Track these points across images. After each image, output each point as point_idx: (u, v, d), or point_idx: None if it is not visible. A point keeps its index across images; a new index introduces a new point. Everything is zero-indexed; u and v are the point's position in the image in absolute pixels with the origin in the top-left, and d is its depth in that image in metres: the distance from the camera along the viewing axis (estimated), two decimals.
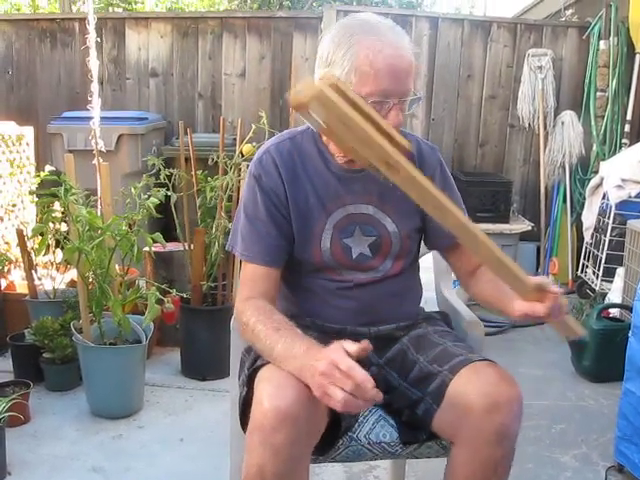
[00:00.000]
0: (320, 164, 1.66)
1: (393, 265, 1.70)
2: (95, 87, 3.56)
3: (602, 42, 4.81)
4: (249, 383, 1.51)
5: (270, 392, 1.35)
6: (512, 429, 1.43)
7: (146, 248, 2.87)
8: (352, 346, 1.29)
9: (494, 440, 1.42)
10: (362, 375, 1.24)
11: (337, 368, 1.26)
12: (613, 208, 4.00)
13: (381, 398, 1.26)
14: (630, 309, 3.37)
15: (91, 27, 3.50)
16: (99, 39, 3.61)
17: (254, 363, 1.54)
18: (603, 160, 4.60)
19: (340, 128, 1.25)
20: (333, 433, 1.51)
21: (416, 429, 1.59)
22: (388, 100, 1.48)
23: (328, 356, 1.28)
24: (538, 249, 5.08)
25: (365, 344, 1.29)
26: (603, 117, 4.84)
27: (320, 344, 1.37)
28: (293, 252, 1.66)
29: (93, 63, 3.53)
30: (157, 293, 2.69)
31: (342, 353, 1.27)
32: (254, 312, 1.53)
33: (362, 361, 1.49)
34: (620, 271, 3.69)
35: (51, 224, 3.02)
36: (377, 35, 1.47)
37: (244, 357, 1.69)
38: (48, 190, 2.83)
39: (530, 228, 4.71)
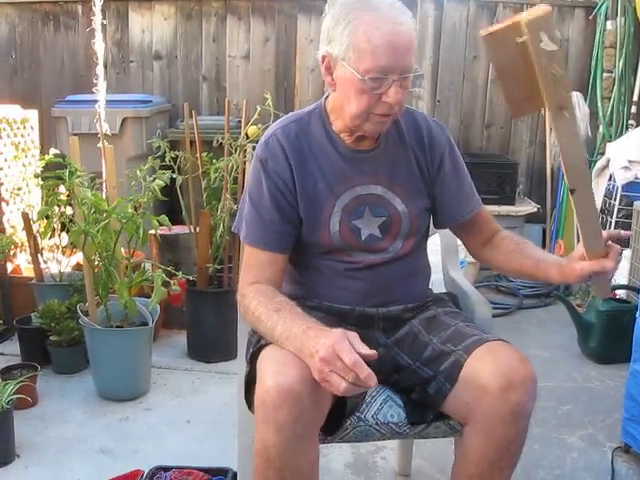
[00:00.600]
0: (327, 145, 1.64)
1: (403, 245, 1.70)
2: (100, 70, 3.54)
3: (609, 22, 4.76)
4: (252, 362, 1.53)
5: (273, 370, 1.36)
6: (527, 408, 1.44)
7: (152, 231, 2.86)
8: (358, 342, 1.29)
9: (509, 420, 1.43)
10: (367, 372, 1.24)
11: (339, 358, 1.25)
12: (619, 189, 3.98)
13: (376, 383, 1.26)
14: (637, 290, 3.37)
15: (97, 9, 3.48)
16: (103, 21, 3.58)
17: (258, 342, 1.55)
18: (609, 141, 4.57)
19: (521, 65, 1.25)
20: (340, 413, 1.51)
21: (424, 409, 1.59)
22: (387, 76, 1.47)
23: (331, 343, 1.27)
24: (544, 231, 5.06)
25: (373, 353, 1.28)
26: (610, 98, 4.80)
27: (323, 324, 1.38)
28: (300, 235, 1.65)
29: (99, 46, 3.52)
30: (163, 275, 2.69)
31: (347, 345, 1.27)
32: (256, 295, 1.54)
33: (369, 341, 1.49)
34: (626, 252, 3.67)
35: (56, 207, 3.02)
36: (376, 11, 1.47)
37: (251, 337, 1.70)
38: (53, 173, 2.82)
39: (536, 210, 4.69)
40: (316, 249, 1.67)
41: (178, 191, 3.16)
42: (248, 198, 1.65)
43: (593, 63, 4.90)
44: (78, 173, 2.72)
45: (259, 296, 1.53)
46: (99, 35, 3.49)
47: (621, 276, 3.68)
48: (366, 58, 1.45)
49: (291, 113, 1.72)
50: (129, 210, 2.72)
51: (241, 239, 1.68)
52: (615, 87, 4.76)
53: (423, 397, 1.58)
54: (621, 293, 3.54)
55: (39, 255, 3.27)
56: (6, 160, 3.55)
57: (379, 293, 1.68)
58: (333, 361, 1.26)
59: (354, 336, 1.30)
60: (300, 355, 1.35)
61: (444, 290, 2.01)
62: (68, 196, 2.95)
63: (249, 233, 1.64)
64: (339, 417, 1.52)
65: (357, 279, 1.67)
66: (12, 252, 3.48)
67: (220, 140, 3.10)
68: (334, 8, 1.52)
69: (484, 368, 1.45)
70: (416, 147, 1.70)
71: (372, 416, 1.61)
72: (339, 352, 1.26)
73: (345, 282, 1.67)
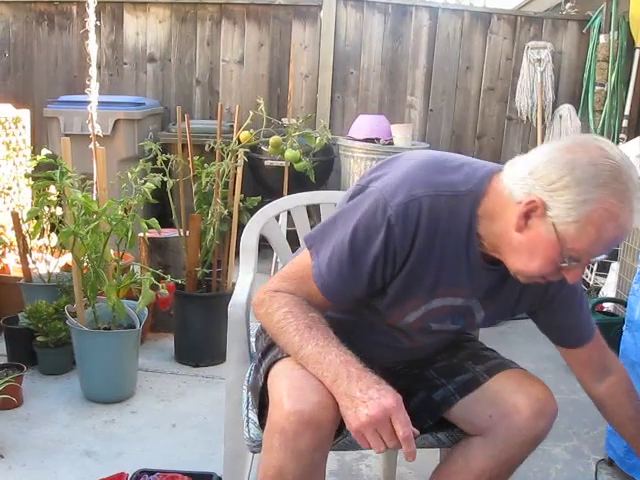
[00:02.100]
0: (462, 245, 1.39)
1: (447, 340, 1.66)
2: (93, 71, 3.54)
3: (602, 36, 4.81)
4: (266, 373, 1.46)
5: (292, 394, 1.29)
6: (544, 438, 1.49)
7: (141, 234, 2.86)
8: (405, 412, 1.26)
9: (528, 443, 1.48)
10: (413, 448, 1.24)
11: (390, 423, 1.23)
12: None
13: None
14: (624, 304, 3.38)
15: (91, 10, 3.48)
16: (98, 22, 3.58)
17: (268, 350, 1.50)
18: None
19: None
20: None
21: (419, 417, 1.53)
22: (583, 259, 1.31)
23: (387, 407, 1.23)
24: None
25: (418, 433, 1.27)
26: (601, 112, 4.84)
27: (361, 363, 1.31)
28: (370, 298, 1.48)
29: (92, 47, 3.51)
30: (152, 278, 2.68)
31: (403, 416, 1.24)
32: (288, 302, 1.40)
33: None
34: (615, 265, 3.69)
35: (46, 208, 3.01)
36: (623, 196, 1.23)
37: (261, 340, 1.64)
38: (44, 173, 2.81)
39: None
40: (376, 317, 1.52)
41: (169, 194, 3.15)
42: (351, 238, 1.36)
43: (585, 76, 4.94)
44: (69, 174, 2.71)
45: (292, 304, 1.40)
46: (92, 36, 3.48)
47: (609, 289, 3.70)
48: (582, 241, 1.25)
49: (446, 174, 1.39)
50: (119, 212, 2.71)
51: (311, 270, 1.42)
52: (607, 100, 4.80)
53: (426, 402, 1.57)
54: (608, 306, 3.56)
55: (28, 255, 3.25)
56: None
57: (409, 355, 1.65)
58: (383, 424, 1.23)
59: (402, 404, 1.26)
60: (331, 388, 1.28)
61: None
62: (58, 197, 2.94)
63: (323, 275, 1.40)
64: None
65: (395, 347, 1.58)
66: (0, 252, 3.47)
67: (212, 145, 3.10)
68: (575, 156, 1.25)
69: (516, 390, 1.48)
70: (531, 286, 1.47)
71: None
72: (393, 420, 1.23)
73: (379, 343, 1.57)
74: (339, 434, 1.43)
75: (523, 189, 1.28)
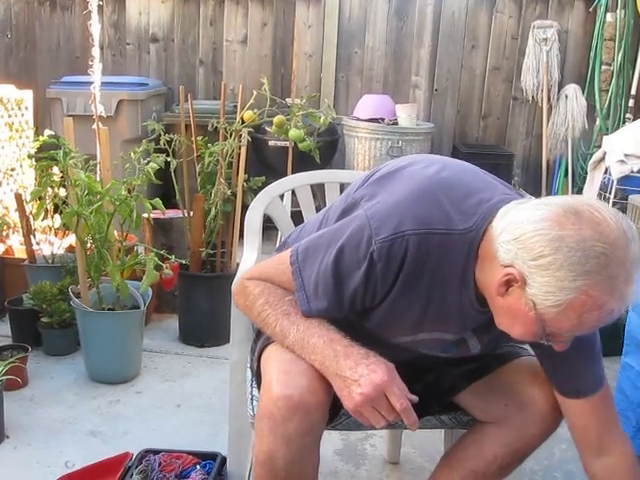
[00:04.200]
0: (455, 286, 1.30)
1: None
2: (96, 52, 3.51)
3: (609, 15, 4.75)
4: (259, 357, 1.47)
5: (280, 379, 1.29)
6: (556, 430, 1.51)
7: (145, 214, 2.85)
8: (401, 382, 1.24)
9: (542, 434, 1.50)
10: (413, 418, 1.23)
11: (386, 398, 1.22)
12: (615, 183, 3.98)
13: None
14: None
15: None
16: (100, 2, 3.55)
17: (268, 339, 1.46)
18: (606, 134, 4.56)
19: None
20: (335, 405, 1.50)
21: (427, 402, 1.49)
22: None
23: (379, 382, 1.21)
24: None
25: (415, 398, 1.25)
26: (607, 91, 4.80)
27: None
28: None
29: (95, 27, 3.48)
30: (156, 259, 2.67)
31: (396, 388, 1.22)
32: (263, 292, 1.39)
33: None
34: None
35: (50, 189, 3.00)
36: (610, 288, 1.12)
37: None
38: (47, 153, 2.80)
39: None
40: (366, 333, 1.41)
41: (172, 175, 3.14)
42: (335, 260, 1.30)
43: (592, 55, 4.89)
44: (72, 154, 2.70)
45: (267, 293, 1.38)
46: (95, 17, 3.45)
47: None
48: (563, 324, 1.17)
49: (442, 210, 1.27)
50: (123, 193, 2.70)
51: (293, 267, 1.37)
52: (613, 80, 4.76)
53: (433, 388, 1.55)
54: None
55: (32, 236, 3.25)
56: (0, 140, 3.52)
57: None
58: (379, 400, 1.22)
59: (396, 373, 1.25)
60: (322, 371, 1.26)
61: None
62: (62, 177, 2.93)
63: (306, 297, 1.34)
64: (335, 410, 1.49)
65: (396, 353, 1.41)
66: (4, 233, 3.47)
67: (215, 124, 3.08)
68: (563, 233, 1.13)
69: (530, 381, 1.48)
70: None
71: None
72: (388, 394, 1.22)
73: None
74: (336, 415, 1.45)
75: (507, 254, 1.18)
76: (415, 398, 1.25)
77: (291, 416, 1.26)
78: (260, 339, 1.51)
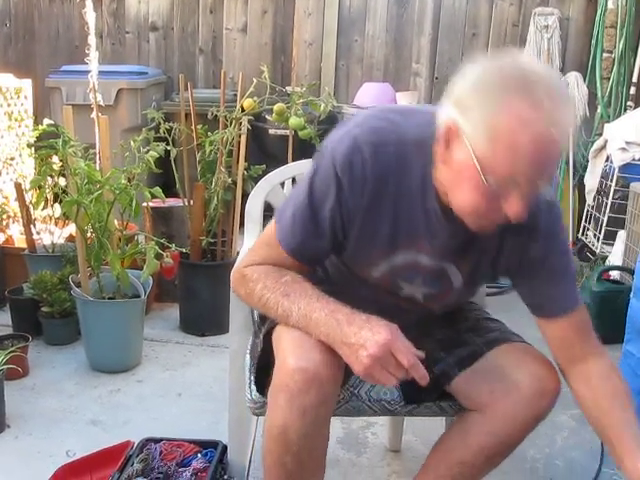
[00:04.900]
0: (417, 194, 1.34)
1: (442, 308, 1.59)
2: (92, 40, 3.49)
3: (610, 2, 4.72)
4: (266, 340, 1.47)
5: (295, 353, 1.30)
6: (545, 417, 1.45)
7: (145, 203, 2.84)
8: (405, 340, 1.26)
9: (529, 423, 1.44)
10: (422, 372, 1.24)
11: (393, 356, 1.23)
12: (616, 171, 3.97)
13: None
14: (631, 272, 3.36)
15: None
16: None
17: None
18: (607, 122, 4.55)
19: None
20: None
21: (422, 388, 1.50)
22: (516, 186, 1.19)
23: (384, 342, 1.23)
24: None
25: (422, 354, 1.26)
26: (609, 79, 4.77)
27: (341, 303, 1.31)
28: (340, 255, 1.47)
29: (90, 15, 3.46)
30: (156, 247, 2.67)
31: (401, 344, 1.24)
32: (260, 277, 1.40)
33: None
34: (621, 234, 3.67)
35: (49, 178, 2.99)
36: (532, 100, 1.13)
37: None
38: (46, 142, 2.79)
39: None
40: (350, 272, 1.48)
41: (172, 163, 3.13)
42: (308, 194, 1.36)
43: (593, 42, 4.86)
44: (72, 143, 2.69)
45: (264, 278, 1.39)
46: (90, 4, 3.43)
47: (615, 258, 3.68)
48: (501, 161, 1.15)
49: (393, 124, 1.34)
50: (122, 181, 2.69)
51: (276, 231, 1.42)
52: (615, 68, 4.73)
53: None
54: (615, 274, 3.54)
55: (32, 226, 3.24)
56: None
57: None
58: (386, 359, 1.23)
59: (400, 332, 1.26)
60: (330, 342, 1.28)
61: None
62: (61, 166, 2.92)
63: (284, 231, 1.40)
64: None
65: (383, 312, 1.37)
66: (4, 222, 3.46)
67: (215, 112, 3.07)
68: (478, 69, 1.20)
69: (515, 366, 1.45)
70: (511, 233, 1.38)
71: (365, 392, 1.60)
72: (394, 352, 1.23)
73: (365, 305, 1.38)
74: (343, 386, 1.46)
75: (442, 117, 1.22)
76: (422, 354, 1.26)
77: (308, 388, 1.28)
78: (265, 323, 1.53)
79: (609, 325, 3.01)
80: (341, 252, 1.44)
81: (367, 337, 1.24)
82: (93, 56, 3.46)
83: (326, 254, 1.45)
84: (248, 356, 1.68)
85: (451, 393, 1.56)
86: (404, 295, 1.50)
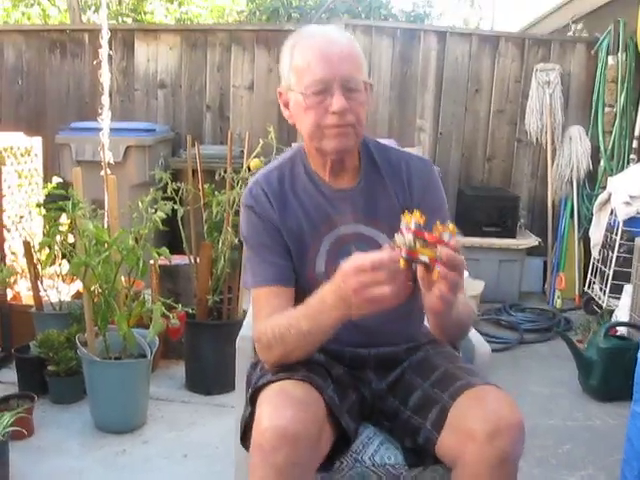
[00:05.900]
0: (310, 186, 1.65)
1: None
2: (106, 100, 3.57)
3: (610, 57, 4.81)
4: (252, 402, 1.50)
5: (269, 412, 1.35)
6: (513, 454, 1.41)
7: (152, 261, 2.86)
8: (363, 255, 1.32)
9: (496, 465, 1.39)
10: (386, 255, 1.28)
11: (363, 273, 1.29)
12: (621, 224, 3.99)
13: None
14: (638, 328, 3.36)
15: (104, 41, 3.52)
16: (110, 52, 3.62)
17: (257, 382, 1.53)
18: (611, 175, 4.58)
19: None
20: (335, 450, 1.50)
21: (420, 454, 1.56)
22: (328, 88, 1.50)
23: (344, 273, 1.32)
24: (545, 264, 5.07)
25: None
26: (611, 132, 4.83)
27: (325, 364, 1.39)
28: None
29: (105, 76, 3.55)
30: (162, 308, 2.68)
31: (356, 260, 1.31)
32: (274, 325, 1.50)
33: (363, 382, 1.57)
34: (628, 288, 3.67)
35: (58, 236, 3.02)
36: (313, 37, 1.55)
37: (249, 375, 1.68)
38: (56, 204, 2.83)
39: (537, 243, 4.70)
40: (305, 290, 1.58)
41: (179, 222, 3.16)
42: (247, 245, 1.65)
43: (595, 97, 4.94)
44: (80, 205, 2.72)
45: (277, 323, 1.50)
46: (105, 66, 3.52)
47: (622, 311, 3.67)
48: (304, 75, 1.51)
49: (274, 161, 1.72)
50: (130, 242, 2.72)
51: (250, 288, 1.64)
52: (617, 121, 4.80)
53: (416, 446, 1.55)
54: (622, 330, 3.53)
55: (39, 283, 3.26)
56: (9, 187, 3.56)
57: (369, 334, 1.64)
58: (361, 279, 1.29)
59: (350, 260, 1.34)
60: (328, 328, 1.41)
61: None
62: (70, 225, 2.95)
63: (254, 275, 1.61)
64: (335, 453, 1.51)
65: (351, 325, 1.50)
66: (12, 279, 3.48)
67: (222, 174, 3.11)
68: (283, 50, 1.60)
69: (470, 414, 1.42)
70: (395, 184, 1.66)
71: (369, 457, 1.59)
72: (358, 270, 1.29)
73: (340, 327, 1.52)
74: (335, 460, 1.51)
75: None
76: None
77: (280, 446, 1.30)
78: (249, 387, 1.60)
79: (618, 381, 3.01)
80: (293, 261, 1.62)
81: (340, 290, 1.34)
82: (106, 115, 3.53)
83: (291, 269, 1.61)
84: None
85: (437, 455, 1.54)
86: None
